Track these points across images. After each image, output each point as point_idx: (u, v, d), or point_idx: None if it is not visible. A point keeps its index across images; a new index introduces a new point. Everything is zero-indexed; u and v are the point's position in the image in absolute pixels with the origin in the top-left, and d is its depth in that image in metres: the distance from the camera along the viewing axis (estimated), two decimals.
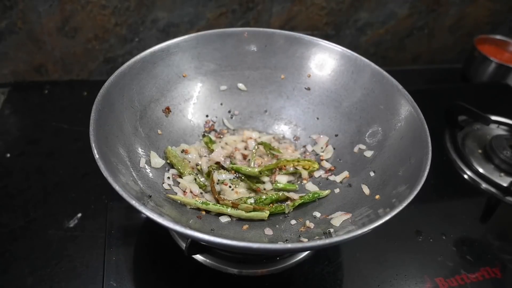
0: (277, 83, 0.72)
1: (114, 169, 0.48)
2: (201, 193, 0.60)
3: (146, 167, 0.57)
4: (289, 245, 0.41)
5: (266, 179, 0.64)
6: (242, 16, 0.93)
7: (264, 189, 0.62)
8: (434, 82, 1.17)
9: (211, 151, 0.66)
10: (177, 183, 0.60)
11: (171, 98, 0.66)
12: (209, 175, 0.62)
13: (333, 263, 0.61)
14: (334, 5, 0.95)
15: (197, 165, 0.64)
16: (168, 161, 0.61)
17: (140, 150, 0.58)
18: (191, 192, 0.59)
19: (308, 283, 0.58)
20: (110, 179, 0.44)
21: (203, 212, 0.56)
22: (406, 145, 0.56)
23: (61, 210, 0.66)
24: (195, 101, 0.69)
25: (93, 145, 0.47)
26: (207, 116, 0.70)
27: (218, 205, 0.56)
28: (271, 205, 0.59)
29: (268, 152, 0.68)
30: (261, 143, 0.67)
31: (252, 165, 0.65)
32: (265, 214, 0.56)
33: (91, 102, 0.52)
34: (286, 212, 0.57)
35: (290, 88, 0.71)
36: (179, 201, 0.55)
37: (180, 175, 0.61)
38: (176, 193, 0.57)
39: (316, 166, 0.65)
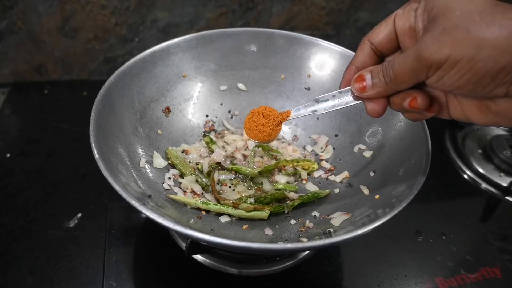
0: (277, 83, 0.72)
1: (114, 169, 0.48)
2: (202, 193, 0.60)
3: (146, 167, 0.57)
4: (289, 245, 0.41)
5: (265, 179, 0.64)
6: (242, 16, 0.93)
7: (263, 190, 0.62)
8: None
9: (212, 151, 0.66)
10: (178, 183, 0.60)
11: (171, 98, 0.66)
12: (209, 174, 0.62)
13: (333, 263, 0.61)
14: (334, 5, 0.95)
15: (197, 164, 0.64)
16: (169, 162, 0.62)
17: (140, 150, 0.58)
18: (192, 192, 0.59)
19: (308, 283, 0.58)
20: (110, 179, 0.44)
21: (203, 212, 0.56)
22: (406, 145, 0.56)
23: (61, 210, 0.66)
24: (195, 101, 0.69)
25: (93, 145, 0.47)
26: (207, 116, 0.70)
27: (219, 205, 0.56)
28: (271, 204, 0.59)
29: (266, 153, 0.68)
30: (259, 145, 0.67)
31: (251, 166, 0.65)
32: (265, 213, 0.56)
33: (91, 102, 0.52)
34: (286, 211, 0.57)
35: (290, 88, 0.71)
36: (179, 201, 0.55)
37: (182, 175, 0.61)
38: (176, 193, 0.57)
39: (316, 166, 0.65)
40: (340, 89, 0.45)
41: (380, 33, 0.41)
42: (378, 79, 0.39)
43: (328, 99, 0.45)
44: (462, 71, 0.33)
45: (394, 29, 0.40)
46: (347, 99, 0.44)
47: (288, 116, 0.49)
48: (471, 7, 0.33)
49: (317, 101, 0.46)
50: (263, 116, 0.49)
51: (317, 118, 0.70)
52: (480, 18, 0.32)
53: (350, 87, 0.43)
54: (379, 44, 0.42)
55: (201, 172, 0.63)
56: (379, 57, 0.43)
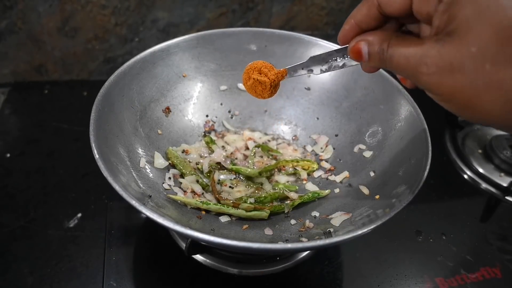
0: None
1: (114, 169, 0.48)
2: (203, 193, 0.60)
3: (146, 167, 0.57)
4: (289, 245, 0.41)
5: (265, 179, 0.63)
6: (242, 16, 0.93)
7: (263, 189, 0.62)
8: None
9: (212, 151, 0.66)
10: (178, 183, 0.60)
11: (171, 98, 0.66)
12: (209, 174, 0.62)
13: (333, 263, 0.61)
14: (334, 5, 0.95)
15: (197, 163, 0.64)
16: (169, 162, 0.61)
17: (140, 150, 0.58)
18: (192, 192, 0.59)
19: (308, 283, 0.58)
20: (110, 179, 0.44)
21: (203, 212, 0.56)
22: (406, 145, 0.56)
23: (61, 210, 0.66)
24: (195, 101, 0.69)
25: (93, 145, 0.47)
26: (207, 116, 0.70)
27: (219, 204, 0.56)
28: (270, 204, 0.59)
29: (266, 153, 0.68)
30: (259, 146, 0.67)
31: (251, 166, 0.65)
32: (265, 213, 0.56)
33: (91, 102, 0.52)
34: (286, 211, 0.57)
35: (290, 88, 0.71)
36: (179, 201, 0.55)
37: (182, 175, 0.61)
38: (176, 193, 0.57)
39: (316, 166, 0.65)
40: (338, 43, 0.42)
41: (395, 3, 0.35)
42: (374, 55, 0.37)
43: (324, 58, 0.43)
44: (452, 109, 0.33)
45: (410, 3, 0.35)
46: (345, 60, 0.42)
47: (284, 76, 0.48)
48: (491, 42, 0.29)
49: (313, 60, 0.44)
50: (259, 82, 0.49)
51: (317, 118, 0.70)
52: (491, 67, 0.29)
53: (347, 46, 0.40)
54: (391, 12, 0.36)
55: (201, 172, 0.63)
56: (384, 17, 0.38)
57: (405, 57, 0.34)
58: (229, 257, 0.58)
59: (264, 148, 0.67)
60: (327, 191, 0.60)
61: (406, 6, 0.35)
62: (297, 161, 0.65)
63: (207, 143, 0.67)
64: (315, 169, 0.65)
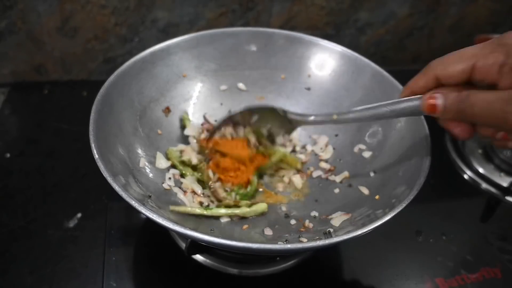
0: (277, 83, 0.72)
1: (114, 169, 0.48)
2: (203, 193, 0.60)
3: (146, 167, 0.57)
4: (289, 245, 0.41)
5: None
6: (242, 16, 0.93)
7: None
8: None
9: (203, 152, 0.65)
10: (179, 183, 0.60)
11: (171, 98, 0.66)
12: (195, 168, 0.62)
13: (333, 263, 0.61)
14: (334, 5, 0.95)
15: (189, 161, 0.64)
16: (170, 162, 0.61)
17: (140, 150, 0.58)
18: (192, 192, 0.59)
19: (308, 283, 0.58)
20: (110, 179, 0.44)
21: None
22: (406, 145, 0.56)
23: (61, 210, 0.66)
24: (195, 101, 0.69)
25: (93, 145, 0.47)
26: (204, 114, 0.70)
27: (222, 209, 0.55)
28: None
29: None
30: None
31: None
32: (264, 205, 0.56)
33: (91, 102, 0.52)
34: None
35: (290, 88, 0.71)
36: (183, 212, 0.53)
37: (182, 175, 0.61)
38: (176, 193, 0.57)
39: (299, 166, 0.64)
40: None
41: (453, 76, 0.40)
42: (451, 106, 0.39)
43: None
44: None
45: (469, 76, 0.38)
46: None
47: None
48: None
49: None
50: None
51: None
52: None
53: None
54: (449, 83, 0.40)
55: (195, 168, 0.62)
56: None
57: (488, 102, 0.35)
58: (229, 257, 0.58)
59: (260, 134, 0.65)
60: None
61: (464, 79, 0.38)
62: (285, 156, 0.64)
63: (183, 120, 0.66)
64: (298, 167, 0.64)
